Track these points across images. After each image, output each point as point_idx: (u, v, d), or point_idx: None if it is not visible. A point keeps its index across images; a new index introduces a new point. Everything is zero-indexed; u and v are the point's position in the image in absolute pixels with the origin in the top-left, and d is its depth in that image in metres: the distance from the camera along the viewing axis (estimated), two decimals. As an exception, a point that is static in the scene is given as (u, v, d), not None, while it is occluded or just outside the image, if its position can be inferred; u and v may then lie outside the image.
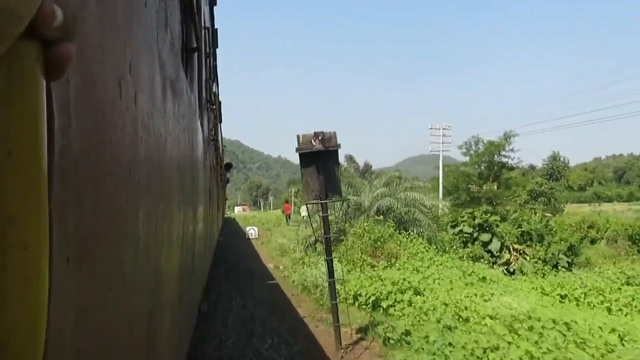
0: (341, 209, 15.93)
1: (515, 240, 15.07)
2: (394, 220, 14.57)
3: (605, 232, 21.22)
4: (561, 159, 58.12)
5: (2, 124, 0.33)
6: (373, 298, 8.36)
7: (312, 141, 5.84)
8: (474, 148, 37.70)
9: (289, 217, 32.02)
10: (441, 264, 11.97)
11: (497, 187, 33.54)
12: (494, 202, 28.82)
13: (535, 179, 37.97)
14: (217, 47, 9.37)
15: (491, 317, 7.19)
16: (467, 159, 37.94)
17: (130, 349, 1.21)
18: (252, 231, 22.34)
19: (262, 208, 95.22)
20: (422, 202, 16.23)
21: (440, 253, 13.71)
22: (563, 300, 10.08)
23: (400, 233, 14.04)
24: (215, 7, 8.85)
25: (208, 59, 6.61)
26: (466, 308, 7.78)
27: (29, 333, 0.36)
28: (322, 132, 5.87)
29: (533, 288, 11.11)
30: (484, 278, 10.93)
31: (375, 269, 11.18)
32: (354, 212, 15.65)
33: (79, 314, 0.78)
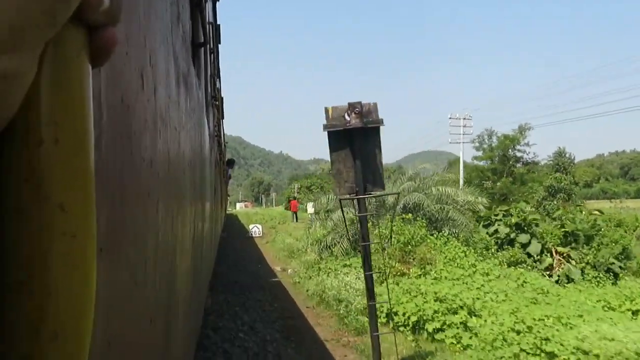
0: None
1: (558, 242, 13.03)
2: (423, 219, 12.64)
3: (634, 230, 19.21)
4: (566, 155, 57.86)
5: (49, 111, 0.33)
6: (414, 318, 6.74)
7: (346, 115, 4.36)
8: (487, 142, 36.89)
9: (296, 215, 30.35)
10: (487, 273, 9.97)
11: (512, 183, 32.82)
12: (509, 199, 27.57)
13: (553, 174, 36.85)
14: (219, 43, 9.36)
15: (584, 353, 5.59)
16: (470, 154, 37.51)
17: (152, 345, 1.20)
18: (255, 229, 21.22)
19: (264, 204, 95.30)
20: (455, 197, 13.94)
21: (480, 258, 11.69)
22: (635, 317, 8.25)
23: (431, 234, 12.07)
24: (218, 3, 8.82)
25: (212, 55, 6.60)
26: (547, 339, 5.95)
27: (77, 323, 0.36)
28: (360, 103, 4.35)
29: (597, 301, 9.26)
30: (540, 290, 9.19)
31: (407, 277, 9.46)
32: (376, 210, 13.36)
33: (110, 307, 0.78)
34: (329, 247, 12.59)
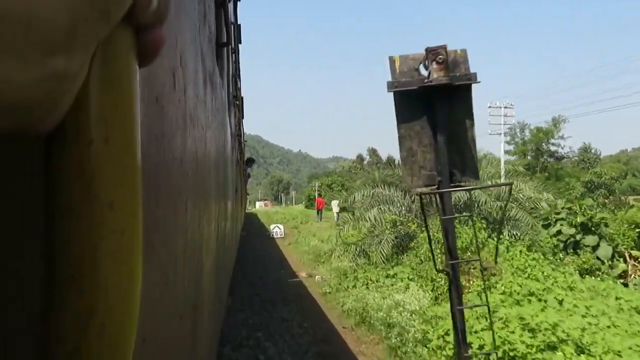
0: (403, 203, 11.46)
1: (632, 244, 11.33)
2: (479, 219, 10.56)
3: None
4: (592, 151, 56.25)
5: (99, 111, 0.33)
6: (497, 356, 4.87)
7: (422, 68, 2.99)
8: (519, 135, 35.25)
9: (321, 213, 28.38)
10: (570, 287, 7.85)
11: (547, 179, 31.71)
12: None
13: (593, 168, 34.61)
14: (240, 42, 9.45)
15: None
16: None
17: (181, 342, 1.22)
18: (277, 229, 20.21)
19: (283, 203, 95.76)
20: (515, 193, 11.46)
21: (552, 266, 9.65)
22: None
23: (490, 237, 10.24)
24: (239, 3, 8.91)
25: (233, 55, 6.67)
26: None
27: (124, 319, 0.36)
28: (444, 48, 2.85)
29: None
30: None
31: (467, 291, 7.63)
32: (421, 208, 11.82)
33: (144, 304, 0.79)
34: (365, 252, 10.78)
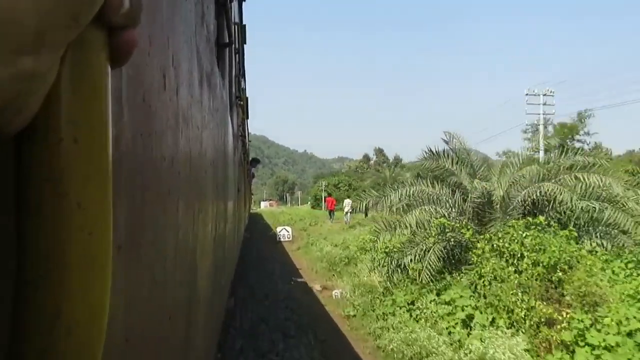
0: (454, 204, 9.20)
1: None
2: (556, 222, 7.89)
3: None
4: (602, 150, 54.80)
5: (69, 111, 0.33)
6: None
7: None
8: (541, 132, 33.69)
9: (333, 213, 26.61)
10: None
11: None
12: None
13: (625, 166, 32.92)
14: (245, 43, 9.47)
15: None
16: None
17: (170, 342, 1.22)
18: (284, 232, 18.97)
19: (288, 203, 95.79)
20: (600, 190, 8.76)
21: None
22: None
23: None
24: (244, 3, 8.92)
25: (237, 55, 6.68)
26: None
27: (92, 319, 0.36)
28: None
29: None
30: None
31: (562, 327, 5.49)
32: (477, 211, 8.92)
33: (128, 304, 0.79)
34: (404, 266, 8.67)
